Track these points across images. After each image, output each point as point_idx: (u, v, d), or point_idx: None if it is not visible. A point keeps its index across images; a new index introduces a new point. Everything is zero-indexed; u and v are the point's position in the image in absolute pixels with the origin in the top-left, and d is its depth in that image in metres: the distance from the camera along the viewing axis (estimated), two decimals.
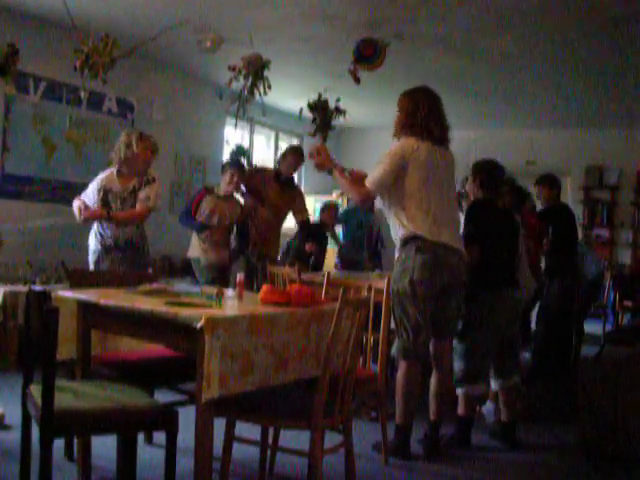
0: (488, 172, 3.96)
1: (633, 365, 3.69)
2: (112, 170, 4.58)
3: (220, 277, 5.28)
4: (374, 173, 3.50)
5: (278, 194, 5.75)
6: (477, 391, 3.76)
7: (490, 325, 3.73)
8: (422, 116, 3.51)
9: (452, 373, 3.72)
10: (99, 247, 4.50)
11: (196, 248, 5.41)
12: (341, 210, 7.91)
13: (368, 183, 3.51)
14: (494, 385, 3.92)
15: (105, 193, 4.48)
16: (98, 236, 4.51)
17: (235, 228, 5.60)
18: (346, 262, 7.39)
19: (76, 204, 4.48)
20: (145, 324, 2.67)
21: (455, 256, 3.47)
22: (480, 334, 3.72)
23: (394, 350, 3.52)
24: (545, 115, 8.67)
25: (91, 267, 4.53)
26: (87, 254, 4.60)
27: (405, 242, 3.48)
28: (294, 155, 5.78)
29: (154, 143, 4.57)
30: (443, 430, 3.74)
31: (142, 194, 4.50)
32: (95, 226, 4.54)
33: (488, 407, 4.13)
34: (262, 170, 6.12)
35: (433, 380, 3.64)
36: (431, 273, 3.39)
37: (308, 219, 6.22)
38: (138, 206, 4.47)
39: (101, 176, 4.58)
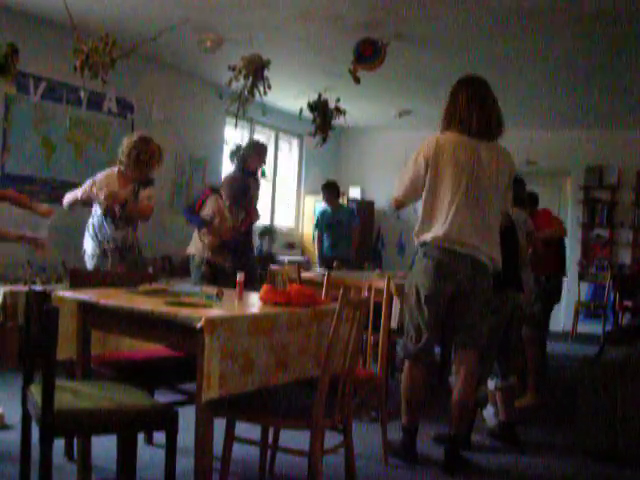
0: None
1: (633, 365, 3.69)
2: (113, 170, 4.56)
3: (212, 276, 5.23)
4: (399, 182, 3.47)
5: (254, 188, 5.91)
6: (478, 393, 3.75)
7: (490, 328, 3.70)
8: (460, 108, 3.37)
9: (474, 380, 3.49)
10: (97, 251, 4.48)
11: (194, 245, 5.41)
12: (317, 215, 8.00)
13: (395, 192, 3.50)
14: (490, 385, 3.92)
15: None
16: (96, 239, 4.48)
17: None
18: (327, 262, 7.34)
19: (91, 190, 4.45)
20: (145, 324, 2.67)
21: (465, 263, 3.31)
22: None
23: (399, 348, 3.51)
24: (545, 115, 8.66)
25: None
26: (84, 256, 4.58)
27: (418, 243, 3.44)
28: (264, 152, 6.09)
29: (159, 148, 4.57)
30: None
31: (143, 194, 4.51)
32: (91, 229, 4.52)
33: (488, 410, 4.12)
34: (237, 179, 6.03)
35: (454, 390, 3.48)
36: (433, 280, 3.31)
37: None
38: (142, 204, 4.51)
39: (100, 176, 4.55)
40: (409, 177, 3.41)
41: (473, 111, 3.37)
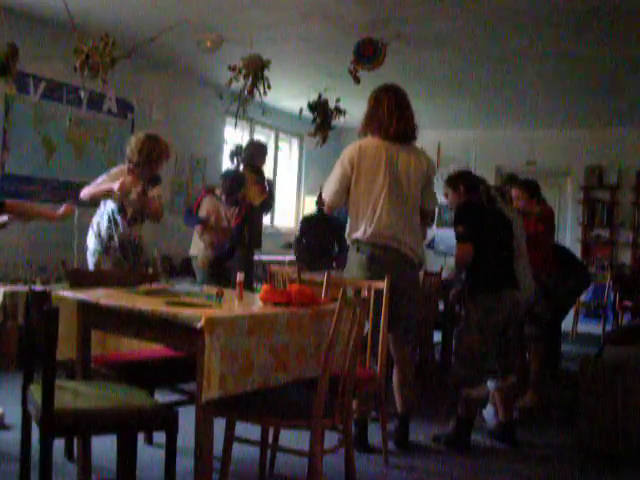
0: (467, 177, 4.05)
1: (633, 365, 3.69)
2: (123, 168, 4.56)
3: (216, 275, 5.26)
4: (328, 186, 3.69)
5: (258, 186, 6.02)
6: (478, 393, 3.75)
7: (489, 327, 3.72)
8: (380, 114, 3.61)
9: (412, 365, 3.72)
10: (99, 248, 4.47)
11: (195, 246, 5.45)
12: None
13: (325, 196, 3.73)
14: (490, 385, 3.92)
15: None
16: (99, 237, 4.48)
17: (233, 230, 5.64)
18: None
19: (106, 186, 4.42)
20: (145, 324, 2.67)
21: (396, 256, 3.53)
22: (479, 336, 3.71)
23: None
24: (545, 115, 8.66)
25: (91, 268, 4.51)
26: (86, 254, 4.58)
27: (350, 241, 3.64)
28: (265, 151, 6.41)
29: (167, 145, 4.56)
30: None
31: (152, 192, 4.52)
32: (96, 227, 4.51)
33: (488, 411, 4.12)
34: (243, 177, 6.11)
35: (394, 374, 3.66)
36: (367, 271, 3.51)
37: None
38: (154, 203, 4.52)
39: (115, 171, 4.55)
40: (337, 181, 3.64)
41: (394, 117, 3.60)
